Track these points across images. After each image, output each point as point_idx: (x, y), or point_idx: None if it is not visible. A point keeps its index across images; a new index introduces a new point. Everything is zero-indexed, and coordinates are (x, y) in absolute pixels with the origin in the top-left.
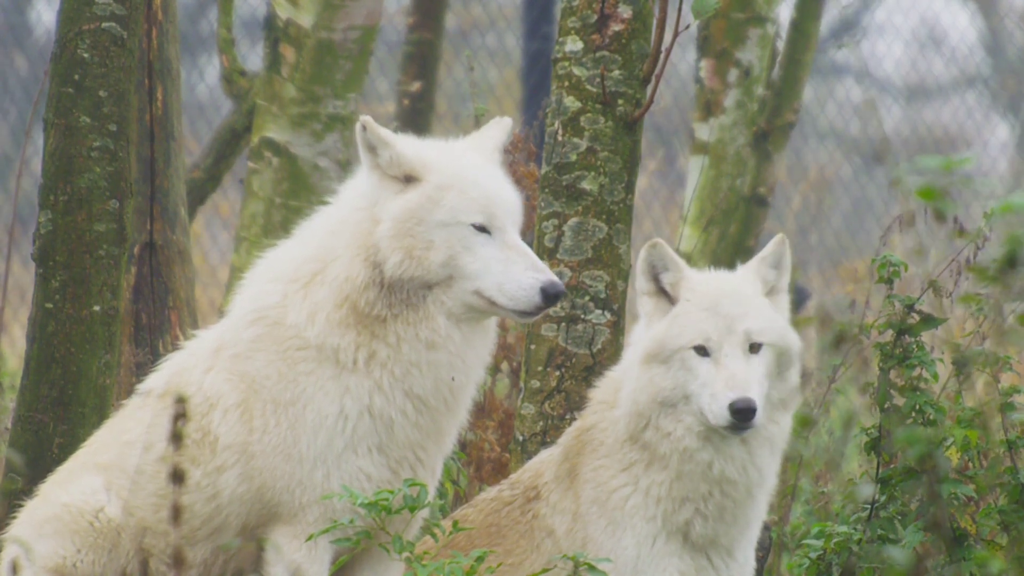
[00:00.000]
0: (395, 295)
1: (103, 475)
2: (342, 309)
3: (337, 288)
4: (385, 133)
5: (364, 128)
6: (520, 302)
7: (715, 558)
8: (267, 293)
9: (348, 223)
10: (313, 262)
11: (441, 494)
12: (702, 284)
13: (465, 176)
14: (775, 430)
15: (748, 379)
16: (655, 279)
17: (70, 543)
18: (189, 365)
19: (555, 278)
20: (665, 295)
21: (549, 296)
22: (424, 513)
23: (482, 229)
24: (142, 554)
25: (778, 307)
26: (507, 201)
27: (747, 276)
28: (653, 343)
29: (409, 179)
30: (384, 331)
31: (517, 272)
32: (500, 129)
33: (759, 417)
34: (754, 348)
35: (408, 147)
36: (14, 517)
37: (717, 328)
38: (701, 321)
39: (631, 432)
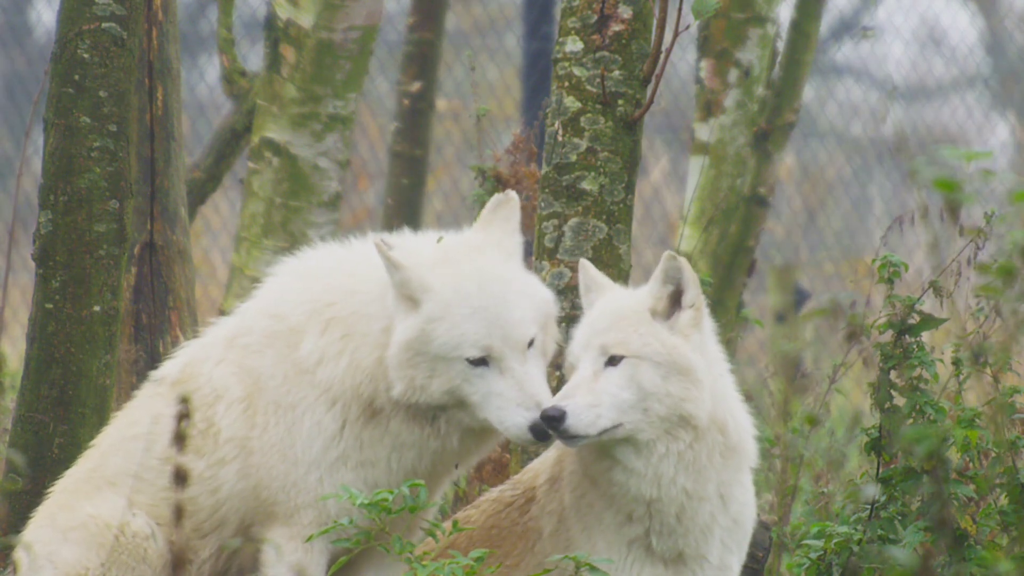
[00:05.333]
0: (406, 410)
1: (121, 488)
2: (349, 385)
3: (347, 365)
4: (395, 256)
5: (378, 250)
6: (517, 438)
7: (691, 563)
8: (293, 292)
9: (374, 315)
10: (335, 308)
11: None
12: (598, 303)
13: (459, 306)
14: (677, 447)
15: (573, 389)
16: (587, 298)
17: (95, 555)
18: (203, 355)
19: (546, 409)
20: None
21: (537, 434)
22: (426, 515)
23: (480, 361)
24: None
25: (674, 324)
26: (505, 327)
27: (640, 294)
28: (566, 361)
29: (413, 302)
30: (386, 422)
31: (511, 409)
32: (511, 209)
33: (571, 424)
34: (613, 360)
35: (414, 270)
36: (15, 517)
37: (580, 344)
38: (575, 339)
39: None
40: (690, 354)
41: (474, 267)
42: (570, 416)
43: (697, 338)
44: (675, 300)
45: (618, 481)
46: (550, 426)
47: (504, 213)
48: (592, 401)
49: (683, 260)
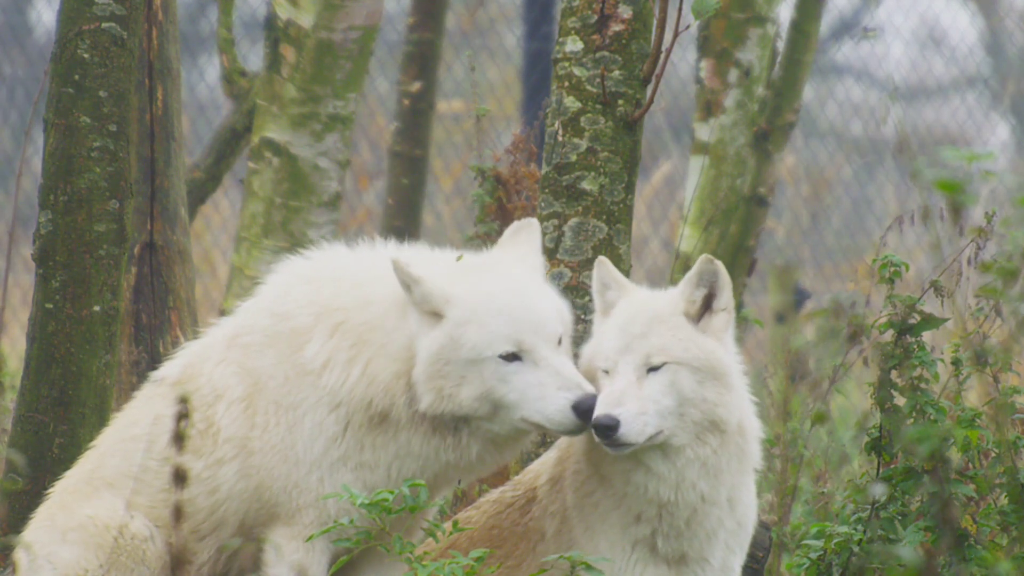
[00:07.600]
0: (430, 422)
1: (120, 489)
2: (359, 395)
3: (360, 376)
4: (415, 271)
5: (396, 268)
6: (561, 424)
7: (692, 565)
8: (299, 293)
9: (392, 328)
10: (344, 314)
11: None
12: (625, 304)
13: (485, 307)
14: (704, 451)
15: (621, 396)
16: (603, 297)
17: (93, 556)
18: (203, 355)
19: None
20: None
21: (581, 412)
22: (427, 515)
23: (512, 357)
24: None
25: (708, 327)
26: (534, 319)
27: (670, 295)
28: (581, 362)
29: (437, 315)
30: (393, 431)
31: (551, 394)
32: (531, 232)
33: (624, 433)
34: (654, 368)
35: (435, 283)
36: (15, 517)
37: (616, 348)
38: (607, 341)
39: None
40: (725, 358)
41: (496, 274)
42: (623, 425)
43: (727, 341)
44: (706, 303)
45: (636, 482)
46: (602, 435)
47: (525, 236)
48: (640, 409)
49: (719, 263)
